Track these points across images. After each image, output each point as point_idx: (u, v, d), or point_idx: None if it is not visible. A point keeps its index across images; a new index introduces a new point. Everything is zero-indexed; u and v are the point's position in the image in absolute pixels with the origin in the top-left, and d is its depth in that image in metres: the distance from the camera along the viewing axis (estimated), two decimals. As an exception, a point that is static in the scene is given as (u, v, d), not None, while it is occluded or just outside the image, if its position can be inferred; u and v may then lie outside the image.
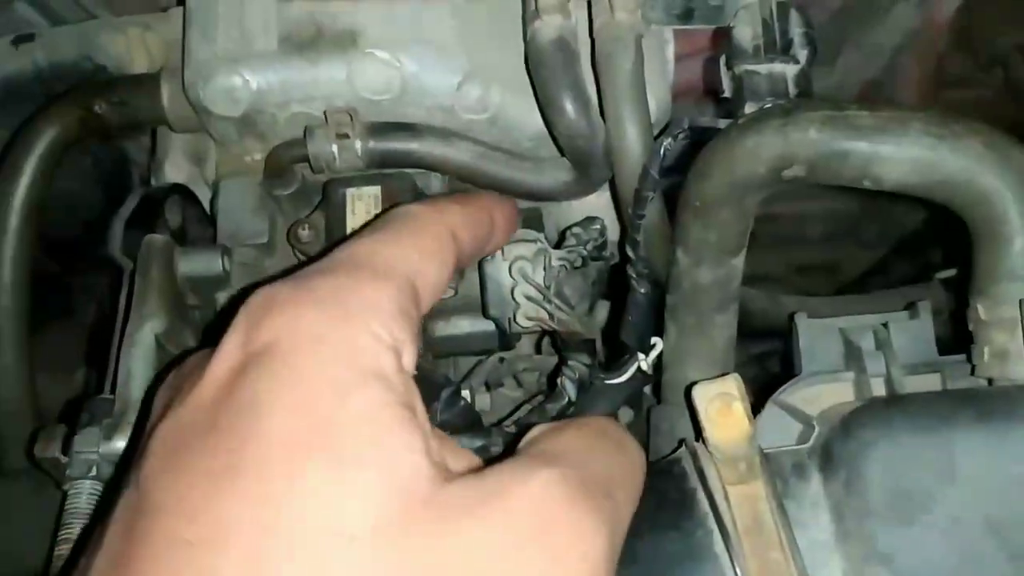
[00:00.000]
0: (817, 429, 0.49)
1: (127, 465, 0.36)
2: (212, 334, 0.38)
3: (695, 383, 0.48)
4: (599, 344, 0.76)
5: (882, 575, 0.42)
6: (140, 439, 0.37)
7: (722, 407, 0.47)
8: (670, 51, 0.68)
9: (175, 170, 0.72)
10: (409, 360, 0.35)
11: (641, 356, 0.61)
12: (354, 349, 0.33)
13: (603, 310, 0.74)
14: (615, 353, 0.67)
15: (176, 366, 0.40)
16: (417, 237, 0.41)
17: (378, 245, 0.39)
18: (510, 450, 0.39)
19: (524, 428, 0.60)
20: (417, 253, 0.40)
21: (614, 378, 0.62)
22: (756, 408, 0.54)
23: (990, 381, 0.49)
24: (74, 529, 0.52)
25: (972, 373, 0.50)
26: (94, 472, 0.54)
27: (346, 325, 0.33)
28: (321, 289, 0.35)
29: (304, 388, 0.32)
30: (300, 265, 0.42)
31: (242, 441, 0.31)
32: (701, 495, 0.47)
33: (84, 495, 0.53)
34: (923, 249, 1.10)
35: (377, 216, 0.47)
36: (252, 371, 0.32)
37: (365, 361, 0.33)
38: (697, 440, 0.50)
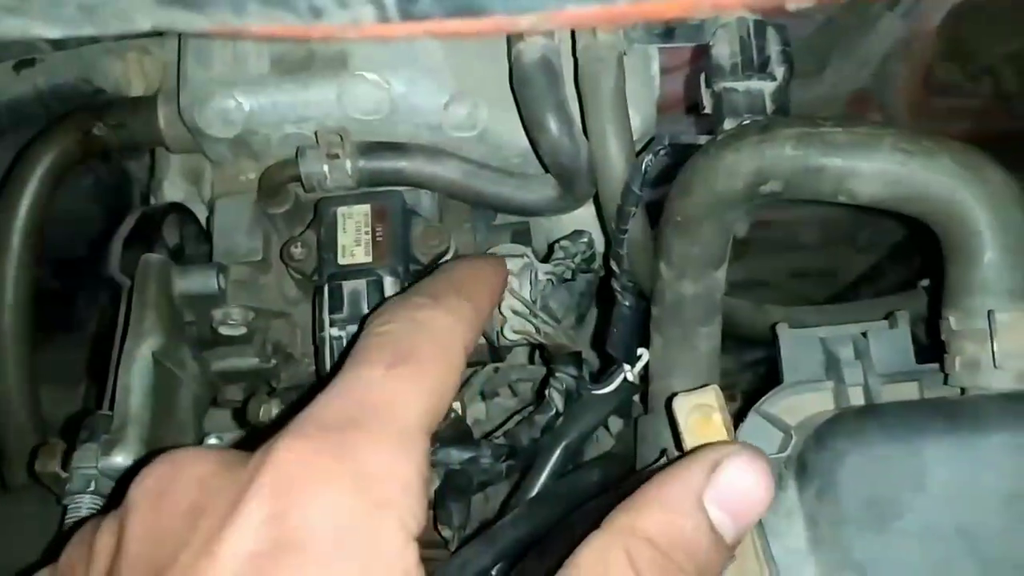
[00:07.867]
0: (794, 439, 0.50)
1: None
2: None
3: (675, 394, 0.49)
4: (589, 355, 0.78)
5: (854, 582, 0.43)
6: None
7: (701, 418, 0.49)
8: (655, 66, 0.69)
9: (173, 189, 0.74)
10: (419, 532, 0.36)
11: (627, 367, 0.62)
12: (386, 552, 0.33)
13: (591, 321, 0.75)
14: (604, 363, 0.68)
15: (82, 529, 0.40)
16: (436, 364, 0.39)
17: (398, 384, 0.38)
18: None
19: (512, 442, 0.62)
20: (434, 393, 0.38)
21: (601, 389, 0.63)
22: (744, 416, 0.55)
23: (963, 390, 0.50)
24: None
25: (945, 382, 0.51)
26: (93, 486, 0.55)
27: (378, 520, 0.34)
28: (352, 461, 0.34)
29: None
30: (316, 387, 0.40)
31: None
32: (680, 505, 0.48)
33: (83, 509, 0.55)
34: (918, 254, 1.10)
35: (384, 304, 0.44)
36: (284, 567, 0.32)
37: (396, 564, 0.33)
38: (677, 450, 0.51)
